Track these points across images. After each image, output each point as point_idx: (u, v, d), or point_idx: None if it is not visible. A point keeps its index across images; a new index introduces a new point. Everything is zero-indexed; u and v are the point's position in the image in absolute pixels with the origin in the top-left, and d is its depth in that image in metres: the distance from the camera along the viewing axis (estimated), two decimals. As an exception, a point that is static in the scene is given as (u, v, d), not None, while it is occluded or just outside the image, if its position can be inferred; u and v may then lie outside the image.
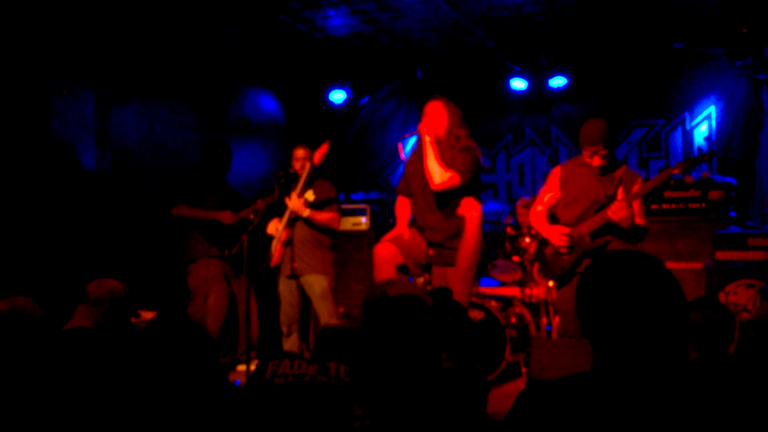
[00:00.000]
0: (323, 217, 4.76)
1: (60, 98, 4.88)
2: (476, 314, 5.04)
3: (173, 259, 5.09)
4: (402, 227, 4.37)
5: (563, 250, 3.98)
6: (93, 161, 5.16)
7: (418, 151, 4.28)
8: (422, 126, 4.17)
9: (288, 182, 4.75)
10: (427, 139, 4.11)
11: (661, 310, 1.39)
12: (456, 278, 4.10)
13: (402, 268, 4.25)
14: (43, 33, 4.74)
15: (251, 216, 4.77)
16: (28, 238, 4.59)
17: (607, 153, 3.87)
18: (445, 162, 4.10)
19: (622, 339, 1.39)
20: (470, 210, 4.16)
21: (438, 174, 4.04)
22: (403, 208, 4.49)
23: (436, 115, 4.19)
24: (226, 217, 4.91)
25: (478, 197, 4.29)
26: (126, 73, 5.51)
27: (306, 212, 4.67)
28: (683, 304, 1.42)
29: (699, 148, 4.24)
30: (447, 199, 4.18)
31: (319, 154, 4.64)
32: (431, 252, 4.23)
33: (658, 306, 1.39)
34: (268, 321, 5.24)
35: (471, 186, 4.20)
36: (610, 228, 3.85)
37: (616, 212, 3.73)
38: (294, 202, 4.65)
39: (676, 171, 3.86)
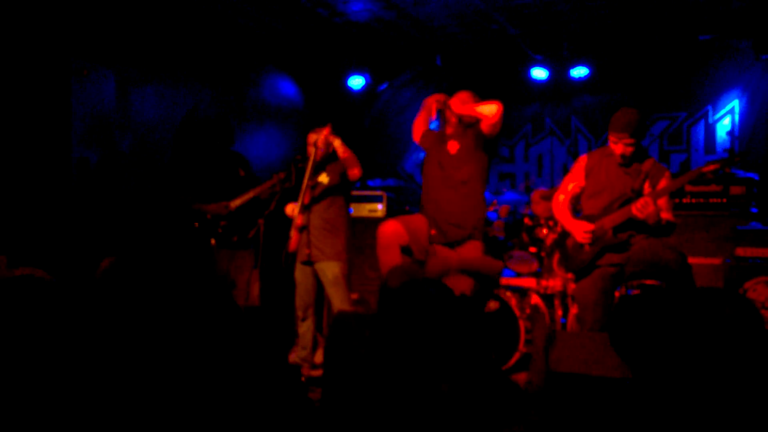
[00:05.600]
0: (348, 154, 4.71)
1: (80, 79, 4.90)
2: (492, 305, 5.02)
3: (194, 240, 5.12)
4: None
5: (587, 249, 3.92)
6: (113, 142, 5.17)
7: (440, 127, 4.34)
8: (450, 102, 4.21)
9: (305, 166, 4.76)
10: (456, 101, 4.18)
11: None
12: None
13: (405, 250, 4.21)
14: (63, 13, 4.75)
15: (268, 192, 4.85)
16: (47, 218, 4.62)
17: (632, 143, 3.79)
18: (467, 141, 4.18)
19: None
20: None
21: (488, 108, 4.04)
22: None
23: (465, 98, 4.23)
24: (219, 209, 4.95)
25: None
26: (145, 55, 5.51)
27: (326, 180, 4.77)
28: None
29: (729, 149, 4.17)
30: (464, 181, 4.18)
31: (322, 138, 4.65)
32: (433, 232, 4.20)
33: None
34: (285, 306, 5.26)
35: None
36: (633, 223, 3.77)
37: (642, 210, 3.65)
38: (291, 211, 4.79)
39: (706, 170, 3.76)
